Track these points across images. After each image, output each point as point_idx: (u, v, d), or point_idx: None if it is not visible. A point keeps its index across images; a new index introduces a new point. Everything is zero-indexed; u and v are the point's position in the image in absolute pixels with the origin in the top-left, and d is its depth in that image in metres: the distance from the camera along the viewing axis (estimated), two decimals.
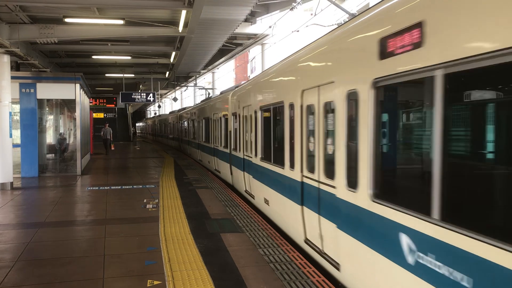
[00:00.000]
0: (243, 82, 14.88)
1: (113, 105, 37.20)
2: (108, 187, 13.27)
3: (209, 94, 31.06)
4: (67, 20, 14.61)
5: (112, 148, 29.07)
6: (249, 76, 42.25)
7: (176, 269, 5.87)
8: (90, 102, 28.48)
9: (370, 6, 5.45)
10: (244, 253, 6.61)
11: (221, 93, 17.63)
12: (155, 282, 5.47)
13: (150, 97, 29.39)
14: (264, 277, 5.58)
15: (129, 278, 5.66)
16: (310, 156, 6.46)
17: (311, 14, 15.38)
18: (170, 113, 43.25)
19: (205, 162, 19.51)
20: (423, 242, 3.53)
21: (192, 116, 23.96)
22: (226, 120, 14.22)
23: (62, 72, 25.74)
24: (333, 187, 5.41)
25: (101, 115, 44.37)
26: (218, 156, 16.07)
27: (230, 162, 13.60)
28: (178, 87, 39.23)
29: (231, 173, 13.60)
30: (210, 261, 6.22)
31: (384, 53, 4.07)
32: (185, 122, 27.21)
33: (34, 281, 5.61)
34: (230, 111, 13.45)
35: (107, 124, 28.56)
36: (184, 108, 33.14)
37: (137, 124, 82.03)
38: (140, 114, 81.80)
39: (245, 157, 11.28)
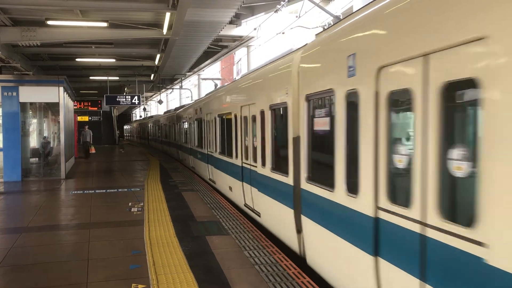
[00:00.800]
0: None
1: (96, 109, 36.88)
2: (93, 191, 13.15)
3: (216, 85, 26.28)
4: (49, 22, 14.49)
5: (92, 151, 27.97)
6: (235, 79, 42.11)
7: (160, 273, 5.84)
8: (75, 105, 28.24)
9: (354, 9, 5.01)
10: (230, 255, 6.59)
11: (242, 76, 11.08)
12: (140, 286, 5.43)
13: (135, 100, 29.21)
14: (249, 280, 5.57)
15: (113, 282, 5.61)
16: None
17: (296, 17, 15.42)
18: (165, 113, 35.21)
19: (222, 187, 12.19)
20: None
21: (198, 114, 16.66)
22: (279, 114, 7.54)
23: (45, 75, 25.45)
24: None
25: (85, 118, 44.04)
26: (256, 185, 8.74)
27: (298, 209, 6.48)
28: (163, 90, 39.05)
29: (299, 231, 6.56)
30: (195, 264, 6.19)
31: None
32: (186, 124, 20.56)
33: (16, 287, 5.52)
34: (295, 92, 6.50)
35: (87, 127, 28.08)
36: (183, 106, 26.12)
37: (125, 127, 77.97)
38: (125, 117, 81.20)
39: (385, 212, 4.13)
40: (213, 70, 38.57)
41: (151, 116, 46.26)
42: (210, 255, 6.59)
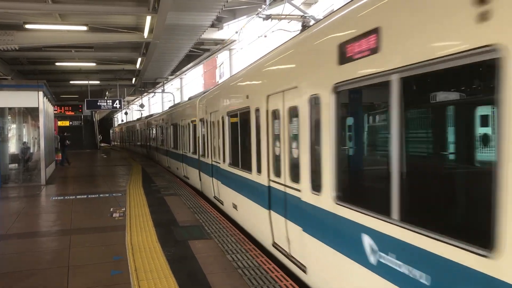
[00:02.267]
0: None
1: (73, 113, 36.39)
2: (74, 197, 12.97)
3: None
4: (27, 26, 14.30)
5: (57, 157, 23.56)
6: (217, 82, 41.80)
7: (142, 278, 5.78)
8: (55, 110, 27.84)
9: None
10: (212, 259, 6.56)
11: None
12: None
13: (116, 104, 28.98)
14: (232, 284, 5.56)
15: None
16: None
17: (278, 20, 15.45)
18: (173, 107, 21.86)
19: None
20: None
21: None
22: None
23: (24, 79, 25.09)
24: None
25: (66, 123, 43.53)
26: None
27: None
28: (145, 94, 38.81)
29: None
30: (177, 269, 6.15)
31: None
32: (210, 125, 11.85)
33: None
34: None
35: (56, 132, 26.96)
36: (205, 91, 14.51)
37: (113, 130, 69.94)
38: (107, 121, 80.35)
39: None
40: (195, 74, 38.47)
41: (150, 115, 33.28)
42: (193, 260, 6.56)
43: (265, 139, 6.84)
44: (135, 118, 51.74)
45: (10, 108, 17.40)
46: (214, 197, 11.56)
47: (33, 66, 24.42)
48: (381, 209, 3.69)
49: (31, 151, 19.10)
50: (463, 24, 2.77)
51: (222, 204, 10.48)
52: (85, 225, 9.24)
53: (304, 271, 5.52)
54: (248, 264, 6.31)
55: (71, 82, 30.50)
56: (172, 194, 12.99)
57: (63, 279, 5.93)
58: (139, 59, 23.34)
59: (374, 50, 3.68)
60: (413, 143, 3.84)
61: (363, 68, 3.87)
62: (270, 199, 6.73)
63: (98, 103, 29.01)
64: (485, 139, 3.55)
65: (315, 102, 5.06)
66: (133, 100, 52.91)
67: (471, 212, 3.33)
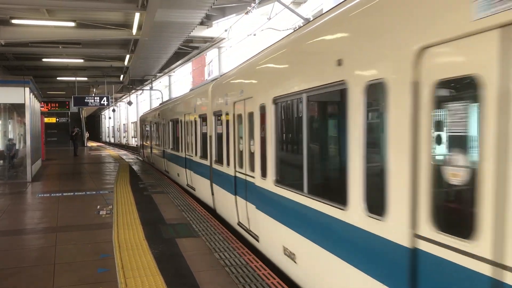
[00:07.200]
0: None
1: (54, 108, 36.00)
2: (60, 194, 12.87)
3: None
4: (14, 21, 14.14)
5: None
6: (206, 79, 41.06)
7: (129, 276, 5.76)
8: (42, 107, 27.55)
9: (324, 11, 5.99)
10: (200, 257, 6.56)
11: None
12: None
13: (104, 101, 28.75)
14: (219, 281, 5.57)
15: (80, 286, 5.51)
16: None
17: (267, 18, 15.48)
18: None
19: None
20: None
21: None
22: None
23: (10, 75, 24.78)
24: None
25: (53, 120, 43.13)
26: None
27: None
28: (133, 91, 38.58)
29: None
30: (165, 267, 6.14)
31: None
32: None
33: None
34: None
35: (43, 128, 26.11)
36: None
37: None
38: (94, 118, 79.80)
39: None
40: (184, 71, 38.30)
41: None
42: (180, 258, 6.55)
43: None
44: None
45: None
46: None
47: (19, 61, 24.12)
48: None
49: (17, 147, 18.90)
50: None
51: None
52: (71, 222, 9.17)
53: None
54: (236, 262, 6.32)
55: (58, 78, 30.15)
56: (160, 192, 12.94)
57: (49, 276, 5.88)
58: (127, 56, 23.19)
59: None
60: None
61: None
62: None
63: (86, 100, 28.77)
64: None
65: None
66: (121, 97, 52.50)
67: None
